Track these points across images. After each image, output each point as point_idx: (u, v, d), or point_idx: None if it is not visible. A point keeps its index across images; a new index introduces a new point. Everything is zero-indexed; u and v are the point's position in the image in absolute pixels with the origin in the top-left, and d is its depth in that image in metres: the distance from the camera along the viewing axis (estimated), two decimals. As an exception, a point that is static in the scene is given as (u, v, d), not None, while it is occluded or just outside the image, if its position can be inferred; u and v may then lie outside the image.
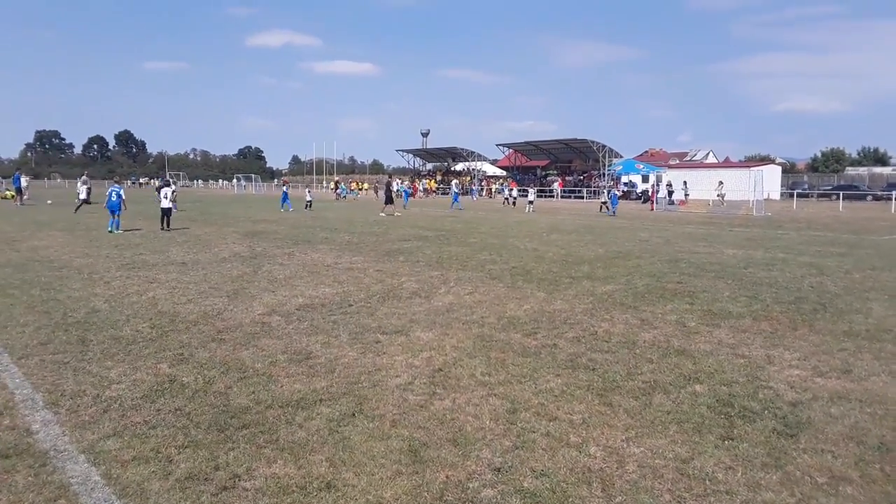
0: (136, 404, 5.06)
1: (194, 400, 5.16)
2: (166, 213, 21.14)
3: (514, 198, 45.83)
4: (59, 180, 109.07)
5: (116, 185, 21.74)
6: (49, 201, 37.01)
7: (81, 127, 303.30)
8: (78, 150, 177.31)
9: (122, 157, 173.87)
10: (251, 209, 36.30)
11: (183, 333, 7.27)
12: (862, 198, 53.51)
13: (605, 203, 36.17)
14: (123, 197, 20.70)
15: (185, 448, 4.25)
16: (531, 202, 38.12)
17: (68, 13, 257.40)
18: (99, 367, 5.98)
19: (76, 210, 29.38)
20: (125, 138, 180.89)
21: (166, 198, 21.42)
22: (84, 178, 41.31)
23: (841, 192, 49.91)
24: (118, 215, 20.26)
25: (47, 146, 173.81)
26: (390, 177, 46.90)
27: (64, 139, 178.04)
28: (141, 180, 79.17)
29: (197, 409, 4.94)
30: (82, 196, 32.44)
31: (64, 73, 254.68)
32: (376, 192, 62.68)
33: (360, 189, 73.40)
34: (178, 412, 4.89)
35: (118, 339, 6.98)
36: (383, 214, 29.98)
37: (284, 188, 38.67)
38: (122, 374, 5.81)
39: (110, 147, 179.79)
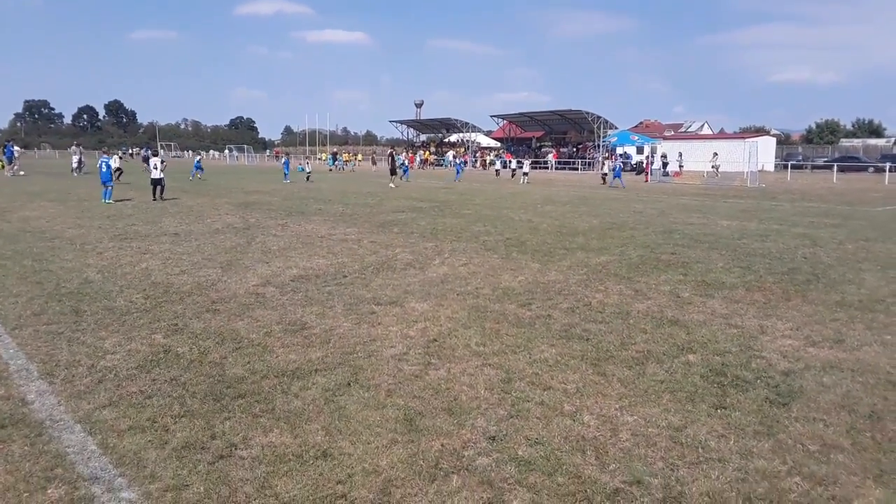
0: (131, 374, 5.06)
1: (189, 370, 5.16)
2: (157, 183, 21.11)
3: (513, 169, 45.39)
4: (49, 150, 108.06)
5: (106, 156, 22.14)
6: (22, 172, 36.72)
7: (71, 97, 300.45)
8: (68, 119, 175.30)
9: (113, 127, 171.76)
10: (243, 180, 36.09)
11: (177, 304, 7.26)
12: (863, 169, 53.00)
13: (605, 175, 35.75)
14: (113, 167, 21.16)
15: (182, 417, 4.26)
16: (526, 173, 38.11)
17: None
18: (93, 338, 5.97)
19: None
20: (115, 108, 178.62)
21: (156, 168, 21.36)
22: (73, 147, 40.97)
23: (840, 164, 49.70)
24: (111, 186, 20.56)
25: (36, 116, 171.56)
26: (393, 148, 46.78)
27: (53, 109, 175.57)
28: (131, 151, 78.37)
29: (192, 379, 4.95)
30: (74, 165, 33.32)
31: (52, 43, 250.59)
32: (373, 162, 62.49)
33: (353, 160, 72.55)
34: (174, 382, 4.90)
35: (112, 310, 6.96)
36: (392, 185, 30.04)
37: (285, 159, 38.32)
38: (117, 344, 5.80)
39: (100, 117, 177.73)
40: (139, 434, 4.02)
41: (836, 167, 46.77)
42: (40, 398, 4.59)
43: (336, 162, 59.49)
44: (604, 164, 38.31)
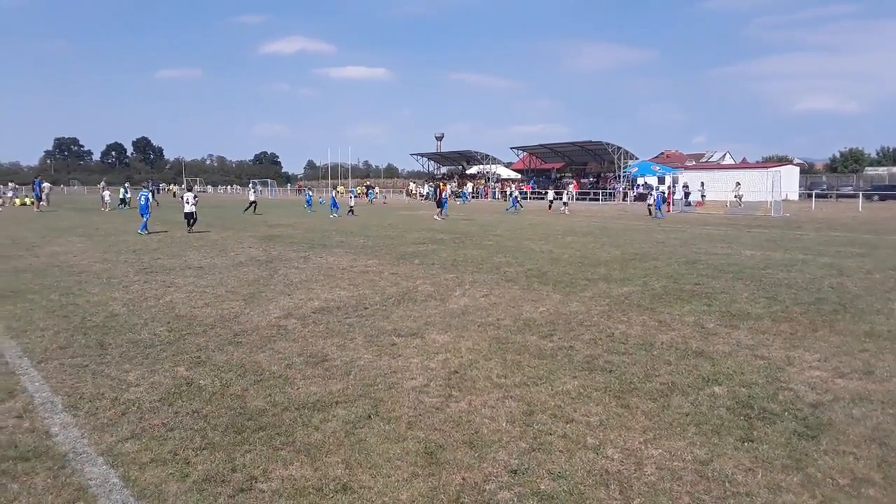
0: (154, 407, 5.09)
1: (211, 402, 5.18)
2: (190, 216, 22.01)
3: (551, 200, 45.31)
4: (77, 186, 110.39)
5: (145, 190, 23.90)
6: (44, 204, 38.10)
7: (100, 134, 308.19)
8: (97, 156, 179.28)
9: (140, 163, 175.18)
10: (267, 213, 36.48)
11: (200, 337, 7.31)
12: None
13: (650, 206, 34.66)
14: (151, 200, 22.42)
15: (203, 450, 4.27)
16: (566, 203, 40.07)
17: (84, 21, 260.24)
18: (117, 371, 6.03)
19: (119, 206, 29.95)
20: (143, 145, 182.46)
21: (188, 202, 22.23)
22: (103, 184, 42.06)
23: (882, 193, 48.60)
24: (146, 218, 21.70)
25: (66, 153, 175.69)
26: (439, 180, 47.11)
27: (83, 146, 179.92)
28: (161, 186, 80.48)
29: (214, 412, 4.96)
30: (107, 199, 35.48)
31: (82, 82, 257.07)
32: (408, 193, 63.54)
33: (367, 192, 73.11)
34: (196, 414, 4.92)
35: (136, 343, 7.03)
36: (437, 217, 30.00)
37: (308, 193, 38.78)
38: (141, 377, 5.85)
39: (128, 154, 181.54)
40: (160, 467, 4.03)
41: (875, 196, 46.08)
42: (64, 431, 4.63)
43: (367, 194, 61.83)
44: (649, 196, 37.50)
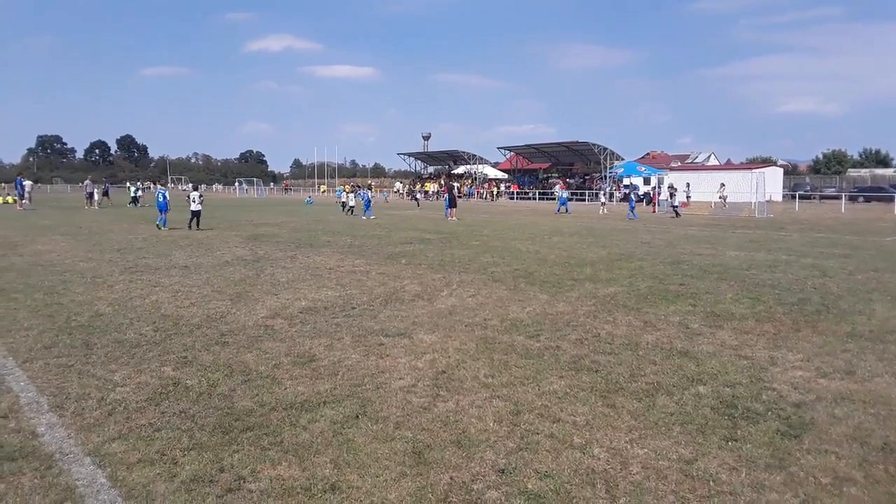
0: (140, 407, 5.07)
1: (199, 402, 5.17)
2: (196, 214, 22.62)
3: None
4: (61, 184, 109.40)
5: (163, 188, 25.26)
6: (25, 202, 37.90)
7: (84, 132, 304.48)
8: (80, 154, 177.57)
9: (124, 161, 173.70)
10: (253, 212, 36.34)
11: (186, 336, 7.29)
12: (889, 200, 52.11)
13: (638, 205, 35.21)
14: (168, 197, 23.53)
15: (190, 450, 4.26)
16: (603, 203, 40.34)
17: (68, 18, 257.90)
18: (103, 371, 6.00)
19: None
20: (127, 143, 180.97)
21: (194, 201, 22.84)
22: (88, 181, 41.80)
23: (866, 195, 48.77)
24: (166, 214, 23.06)
25: (49, 151, 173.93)
26: (451, 179, 45.92)
27: (66, 144, 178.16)
28: (145, 185, 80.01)
29: (201, 412, 4.96)
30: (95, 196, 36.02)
31: (66, 79, 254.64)
32: (408, 193, 63.37)
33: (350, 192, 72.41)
34: (183, 415, 4.91)
35: (122, 343, 7.00)
36: (454, 219, 29.56)
37: (365, 192, 34.77)
38: (127, 377, 5.82)
39: (112, 152, 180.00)
40: (148, 467, 4.02)
41: (860, 198, 46.42)
42: (50, 431, 4.61)
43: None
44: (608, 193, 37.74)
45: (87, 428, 4.65)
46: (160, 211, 23.07)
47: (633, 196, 36.64)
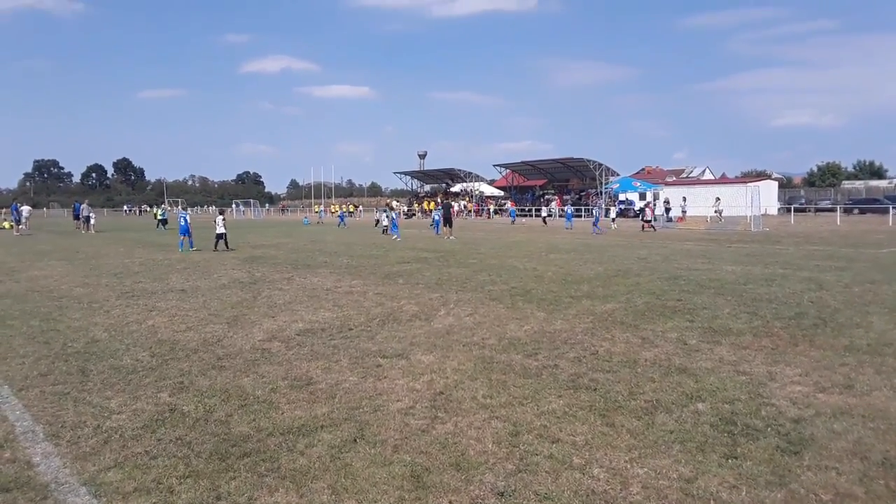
0: (136, 434, 5.04)
1: (195, 429, 5.14)
2: (221, 237, 23.12)
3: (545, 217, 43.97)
4: (57, 209, 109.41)
5: (183, 212, 25.94)
6: (22, 227, 38.08)
7: (80, 156, 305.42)
8: (77, 178, 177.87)
9: (121, 184, 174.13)
10: (250, 234, 36.31)
11: (183, 361, 7.26)
12: (884, 211, 52.15)
13: (648, 221, 35.12)
14: (189, 221, 23.98)
15: (187, 478, 4.23)
16: (613, 219, 40.07)
17: (65, 42, 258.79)
18: (99, 398, 5.96)
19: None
20: (124, 166, 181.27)
21: (219, 225, 23.29)
22: (85, 205, 41.79)
23: (862, 207, 48.65)
24: (189, 237, 23.56)
25: (46, 175, 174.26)
26: (448, 198, 46.09)
27: (62, 168, 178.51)
28: (142, 207, 79.88)
29: (198, 438, 4.92)
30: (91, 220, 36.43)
31: (62, 103, 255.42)
32: (406, 213, 63.41)
33: (349, 212, 71.52)
34: (179, 441, 4.87)
35: (118, 369, 6.96)
36: (452, 238, 29.42)
37: (389, 213, 34.38)
38: (123, 403, 5.79)
39: (109, 175, 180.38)
40: (144, 496, 3.99)
41: (855, 210, 46.52)
42: (46, 460, 4.57)
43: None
44: (644, 211, 37.26)
45: (83, 457, 4.61)
46: (182, 234, 23.50)
47: (595, 211, 37.32)
